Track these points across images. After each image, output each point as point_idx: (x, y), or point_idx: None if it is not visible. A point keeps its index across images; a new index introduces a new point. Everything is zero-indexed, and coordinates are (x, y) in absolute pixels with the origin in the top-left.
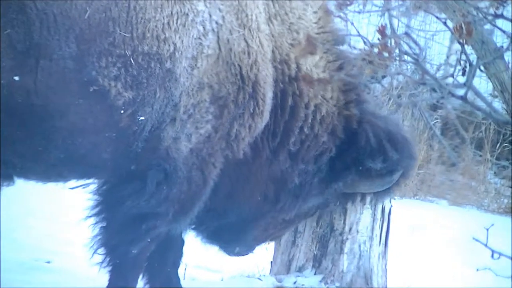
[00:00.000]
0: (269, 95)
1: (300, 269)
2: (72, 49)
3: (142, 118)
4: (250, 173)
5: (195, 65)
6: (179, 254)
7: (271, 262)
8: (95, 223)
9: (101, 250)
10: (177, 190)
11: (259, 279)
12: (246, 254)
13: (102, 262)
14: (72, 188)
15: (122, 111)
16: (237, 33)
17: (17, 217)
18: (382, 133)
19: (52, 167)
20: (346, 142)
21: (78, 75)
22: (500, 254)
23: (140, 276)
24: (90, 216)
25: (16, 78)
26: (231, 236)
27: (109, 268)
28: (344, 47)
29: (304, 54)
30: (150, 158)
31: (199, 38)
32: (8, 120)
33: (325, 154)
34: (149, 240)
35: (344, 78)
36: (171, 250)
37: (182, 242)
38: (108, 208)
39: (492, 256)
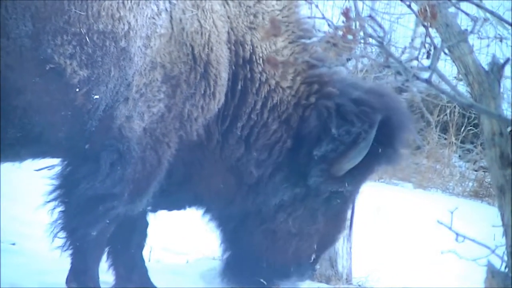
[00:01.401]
0: (223, 76)
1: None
2: (28, 28)
3: (97, 96)
4: (204, 156)
5: (149, 44)
6: (143, 236)
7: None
8: (54, 207)
9: (61, 234)
10: (132, 170)
11: None
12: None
13: (63, 246)
14: (37, 170)
15: (77, 90)
16: (190, 13)
17: None
18: (333, 107)
19: (8, 147)
20: (303, 132)
21: (35, 53)
22: (464, 237)
23: (104, 258)
24: (49, 201)
25: None
26: (253, 271)
27: (70, 251)
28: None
29: (267, 37)
30: (104, 138)
31: (153, 18)
32: None
33: (278, 143)
34: (107, 221)
35: (309, 70)
36: (135, 232)
37: (146, 224)
38: (65, 191)
39: (457, 239)
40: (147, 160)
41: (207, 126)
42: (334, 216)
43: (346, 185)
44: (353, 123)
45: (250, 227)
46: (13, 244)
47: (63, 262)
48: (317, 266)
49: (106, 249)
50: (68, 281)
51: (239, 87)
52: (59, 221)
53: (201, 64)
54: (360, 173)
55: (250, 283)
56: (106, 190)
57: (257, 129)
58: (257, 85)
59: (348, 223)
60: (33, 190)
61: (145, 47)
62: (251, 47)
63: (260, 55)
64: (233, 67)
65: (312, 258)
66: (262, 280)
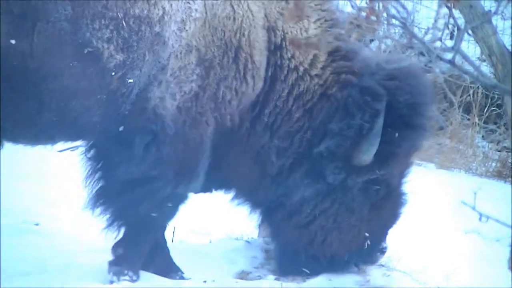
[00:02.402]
0: (257, 60)
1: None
2: (67, 11)
3: (131, 80)
4: (232, 142)
5: (184, 28)
6: (166, 219)
7: (259, 225)
8: (95, 190)
9: (107, 215)
10: (172, 150)
11: (247, 242)
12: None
13: (109, 226)
14: (60, 151)
15: (113, 73)
16: None
17: (3, 181)
18: (342, 98)
19: (43, 131)
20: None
21: (73, 37)
22: (488, 217)
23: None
24: (89, 183)
25: (13, 41)
26: (296, 262)
27: (118, 230)
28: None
29: (291, 18)
30: (138, 120)
31: (188, 2)
32: (3, 84)
33: (299, 132)
34: (154, 203)
35: (340, 60)
36: (157, 218)
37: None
38: (105, 175)
39: (480, 219)
40: (189, 138)
41: (241, 112)
42: (383, 198)
43: (377, 171)
44: (353, 115)
45: (280, 221)
46: (37, 224)
47: (86, 243)
48: (385, 246)
49: None
50: (115, 246)
51: (269, 73)
52: (102, 202)
53: (232, 48)
54: (386, 158)
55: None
56: (144, 173)
57: (281, 116)
58: (285, 71)
59: None
60: (56, 170)
61: (180, 31)
62: (282, 33)
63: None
64: (267, 53)
65: (372, 242)
66: (312, 268)
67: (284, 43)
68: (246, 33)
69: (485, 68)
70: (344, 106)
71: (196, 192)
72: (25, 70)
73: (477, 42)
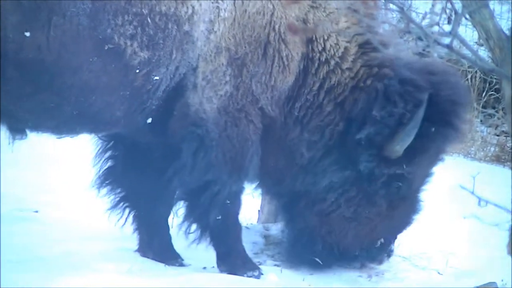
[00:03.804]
0: (287, 54)
1: (283, 214)
2: (86, 6)
3: (157, 78)
4: (264, 135)
5: (212, 29)
6: (169, 204)
7: (258, 211)
8: (103, 170)
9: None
10: (219, 153)
11: (246, 227)
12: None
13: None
14: (59, 137)
15: (137, 71)
16: None
17: (3, 168)
18: (382, 88)
19: (64, 123)
20: (353, 115)
21: (93, 32)
22: (487, 201)
23: (130, 221)
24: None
25: (27, 34)
26: (312, 252)
27: (207, 241)
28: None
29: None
30: (182, 128)
31: (217, 1)
32: (18, 75)
33: (330, 125)
34: (227, 202)
35: (371, 52)
36: (161, 200)
37: (173, 193)
38: (167, 192)
39: (479, 203)
40: (232, 137)
41: (277, 104)
42: (402, 198)
43: (404, 167)
44: (395, 103)
45: (302, 208)
46: (36, 211)
47: (85, 230)
48: (392, 249)
49: (132, 213)
50: (218, 265)
51: (301, 66)
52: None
53: (261, 43)
54: (417, 154)
55: (310, 264)
56: (199, 180)
57: (312, 110)
58: (316, 65)
59: None
60: (55, 157)
61: (209, 32)
62: (313, 26)
63: (321, 34)
64: (300, 46)
65: (381, 242)
66: (320, 260)
67: (315, 35)
68: (276, 27)
69: (483, 53)
70: (384, 95)
71: (250, 183)
72: (42, 62)
73: (474, 26)
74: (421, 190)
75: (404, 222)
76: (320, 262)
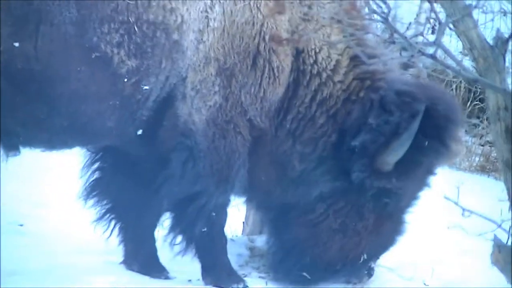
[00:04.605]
0: (277, 66)
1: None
2: (72, 14)
3: (147, 87)
4: (254, 148)
5: (201, 39)
6: (157, 216)
7: (243, 222)
8: (90, 181)
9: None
10: (207, 164)
11: (231, 240)
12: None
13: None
14: (43, 150)
15: (125, 80)
16: (241, 3)
17: None
18: (377, 99)
19: (56, 135)
20: (347, 126)
21: (80, 40)
22: (471, 212)
23: (116, 233)
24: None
25: (16, 44)
26: (298, 265)
27: (192, 253)
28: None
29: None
30: (170, 138)
31: (206, 11)
32: (8, 86)
33: (323, 137)
34: (213, 214)
35: (362, 65)
36: (148, 211)
37: (161, 205)
38: (154, 203)
39: (463, 214)
40: (219, 149)
41: (267, 116)
42: (387, 216)
43: (394, 181)
44: (391, 112)
45: (290, 219)
46: (21, 225)
47: (70, 243)
48: (373, 268)
49: (118, 225)
50: (203, 278)
51: (291, 79)
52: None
53: (250, 54)
54: (407, 168)
55: (296, 278)
56: (187, 191)
57: (304, 122)
58: (307, 77)
59: None
60: (40, 170)
61: (198, 42)
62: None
63: (313, 47)
64: (290, 57)
65: (364, 259)
66: (305, 274)
67: (306, 48)
68: (267, 37)
69: (467, 62)
70: (380, 105)
71: (237, 196)
72: (31, 73)
73: (458, 36)
74: (407, 212)
75: (387, 241)
76: (306, 276)
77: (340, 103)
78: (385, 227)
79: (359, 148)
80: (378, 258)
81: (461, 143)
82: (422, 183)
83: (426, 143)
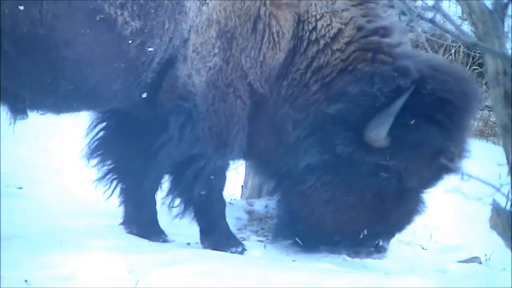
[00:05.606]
0: (279, 31)
1: (271, 193)
2: None
3: (151, 49)
4: (255, 113)
5: (204, 0)
6: (158, 180)
7: (242, 186)
8: (95, 141)
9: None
10: (206, 126)
11: (230, 203)
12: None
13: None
14: (42, 114)
15: (130, 41)
16: None
17: None
18: (369, 72)
19: (61, 100)
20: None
21: (84, 2)
22: (470, 176)
23: (117, 193)
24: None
25: (21, 7)
26: (295, 232)
27: (190, 216)
28: None
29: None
30: (169, 100)
31: None
32: (14, 50)
33: (315, 104)
34: (212, 177)
35: (368, 37)
36: (149, 174)
37: (162, 168)
38: (155, 166)
39: (462, 178)
40: (219, 112)
41: (267, 81)
42: (395, 194)
43: (387, 158)
44: (372, 84)
45: (285, 189)
46: (20, 188)
47: (70, 206)
48: (383, 247)
49: (120, 185)
50: (201, 241)
51: (292, 45)
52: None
53: (251, 18)
54: (402, 147)
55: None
56: (185, 153)
57: (298, 88)
58: (305, 43)
59: None
60: (38, 133)
61: (201, 3)
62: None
63: (313, 13)
64: (292, 23)
65: (364, 234)
66: (298, 239)
67: (306, 15)
68: (267, 1)
69: (466, 27)
70: (368, 77)
71: (236, 160)
72: (36, 37)
73: (457, 1)
74: (424, 191)
75: (400, 219)
76: (301, 243)
77: (336, 72)
78: (393, 205)
79: (338, 119)
80: (391, 235)
81: (467, 130)
82: (435, 164)
83: (413, 121)
